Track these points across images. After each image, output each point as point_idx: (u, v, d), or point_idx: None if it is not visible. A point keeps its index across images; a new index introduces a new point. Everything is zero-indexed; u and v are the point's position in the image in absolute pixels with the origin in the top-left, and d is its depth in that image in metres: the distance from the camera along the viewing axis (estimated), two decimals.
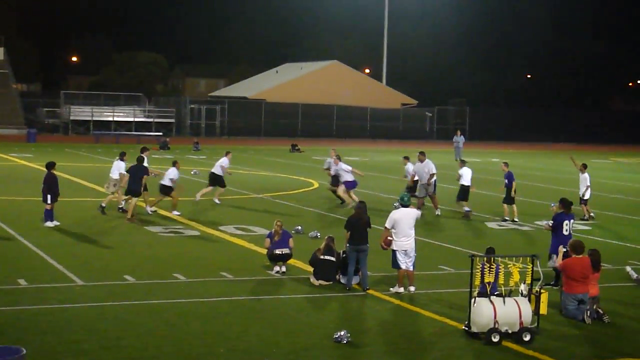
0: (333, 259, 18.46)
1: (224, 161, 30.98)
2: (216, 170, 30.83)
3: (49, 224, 24.52)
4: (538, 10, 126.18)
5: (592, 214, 30.40)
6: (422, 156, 29.95)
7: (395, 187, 33.90)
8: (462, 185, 29.58)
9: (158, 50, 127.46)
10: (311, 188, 37.63)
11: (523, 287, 15.45)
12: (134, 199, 26.46)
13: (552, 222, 19.05)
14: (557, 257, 17.68)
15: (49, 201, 24.53)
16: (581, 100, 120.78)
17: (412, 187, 29.97)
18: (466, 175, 29.52)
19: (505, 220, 28.64)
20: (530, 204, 33.36)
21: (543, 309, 15.62)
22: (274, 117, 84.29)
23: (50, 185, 24.63)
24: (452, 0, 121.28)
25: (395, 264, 17.77)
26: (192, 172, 40.48)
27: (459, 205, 29.88)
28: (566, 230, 18.78)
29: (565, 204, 19.24)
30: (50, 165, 25.08)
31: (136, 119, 78.96)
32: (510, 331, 14.66)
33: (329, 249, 18.59)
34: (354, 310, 16.75)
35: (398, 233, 17.68)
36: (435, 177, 29.61)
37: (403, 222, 17.67)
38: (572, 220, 19.05)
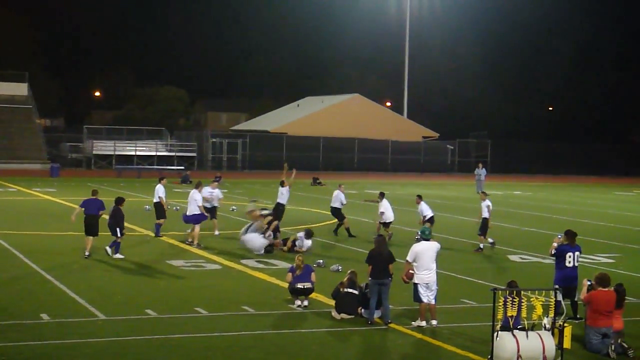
0: (355, 292, 18.43)
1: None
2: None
3: (118, 255, 25.24)
4: (560, 43, 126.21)
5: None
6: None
7: (416, 221, 33.78)
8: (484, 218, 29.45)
9: (180, 84, 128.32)
10: (333, 221, 37.53)
11: (546, 321, 15.34)
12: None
13: (554, 251, 19.02)
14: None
15: (119, 234, 25.26)
16: (603, 133, 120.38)
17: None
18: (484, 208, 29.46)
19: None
20: (552, 237, 33.10)
21: (567, 343, 15.49)
22: (296, 151, 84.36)
23: (117, 220, 25.34)
24: (473, 33, 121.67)
25: (417, 297, 17.71)
26: (230, 209, 39.96)
27: (480, 239, 29.63)
28: (569, 262, 18.68)
29: (570, 235, 19.14)
30: (119, 201, 25.81)
31: (158, 153, 79.33)
32: None
33: (351, 283, 18.57)
34: (376, 344, 16.67)
35: (419, 266, 17.64)
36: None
37: (424, 255, 17.63)
38: (577, 253, 18.92)
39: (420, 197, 31.43)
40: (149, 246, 27.99)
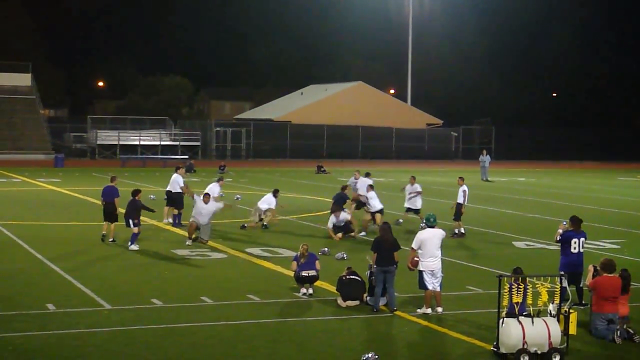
0: (358, 278, 18.46)
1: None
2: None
3: (133, 247, 25.14)
4: (563, 29, 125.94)
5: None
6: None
7: (422, 208, 33.75)
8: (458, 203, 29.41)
9: (183, 74, 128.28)
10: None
11: (552, 307, 15.33)
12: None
13: (559, 237, 18.98)
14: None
15: (132, 225, 25.28)
16: (607, 118, 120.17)
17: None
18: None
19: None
20: (557, 223, 33.06)
21: (572, 329, 15.48)
22: (300, 139, 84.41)
23: (130, 211, 25.45)
24: (476, 19, 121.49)
25: (422, 284, 17.71)
26: (235, 198, 39.95)
27: (457, 224, 29.51)
28: (574, 249, 18.63)
29: (575, 221, 19.09)
30: (134, 192, 25.84)
31: (162, 143, 79.36)
32: (539, 352, 14.55)
33: (352, 272, 18.60)
34: (381, 331, 16.68)
35: (424, 254, 17.63)
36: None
37: (429, 242, 17.62)
38: (582, 239, 18.85)
39: (372, 187, 30.63)
40: (154, 236, 27.97)
